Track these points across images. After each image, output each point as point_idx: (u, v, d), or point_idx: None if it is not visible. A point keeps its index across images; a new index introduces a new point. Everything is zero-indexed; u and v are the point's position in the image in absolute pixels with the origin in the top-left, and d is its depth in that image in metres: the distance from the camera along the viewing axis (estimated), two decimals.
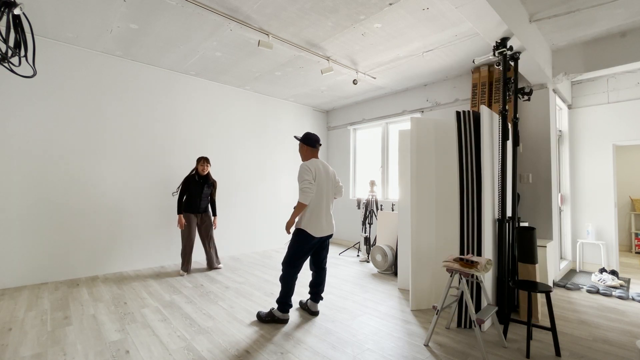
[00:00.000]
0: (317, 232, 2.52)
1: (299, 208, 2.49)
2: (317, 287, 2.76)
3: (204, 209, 4.04)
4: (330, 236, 2.70)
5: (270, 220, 5.56)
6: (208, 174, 4.02)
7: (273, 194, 5.62)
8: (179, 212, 3.89)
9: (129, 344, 2.19)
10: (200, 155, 4.63)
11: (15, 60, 2.70)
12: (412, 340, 2.33)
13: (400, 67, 4.20)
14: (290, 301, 2.59)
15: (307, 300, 2.83)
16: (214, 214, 4.16)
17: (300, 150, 2.73)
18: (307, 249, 2.55)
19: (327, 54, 3.83)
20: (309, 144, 2.68)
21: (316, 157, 2.70)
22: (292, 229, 2.69)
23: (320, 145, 2.73)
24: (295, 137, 2.72)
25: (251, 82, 4.85)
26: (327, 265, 4.44)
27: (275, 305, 2.90)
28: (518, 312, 2.89)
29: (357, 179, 6.17)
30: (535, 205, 3.69)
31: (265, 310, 2.83)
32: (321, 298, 2.80)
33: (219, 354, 2.08)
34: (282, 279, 2.57)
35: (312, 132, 2.81)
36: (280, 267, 3.50)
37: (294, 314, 2.76)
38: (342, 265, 4.52)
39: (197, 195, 3.93)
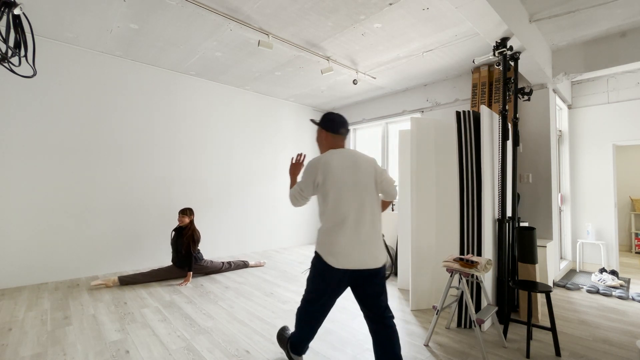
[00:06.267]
0: (338, 262, 1.62)
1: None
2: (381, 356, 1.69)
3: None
4: (379, 272, 1.69)
5: (269, 220, 5.56)
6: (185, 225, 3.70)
7: (273, 193, 5.62)
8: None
9: (129, 344, 2.19)
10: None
11: (15, 60, 2.70)
12: (412, 340, 2.32)
13: (400, 67, 4.20)
14: (303, 344, 1.89)
15: None
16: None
17: (318, 140, 1.90)
18: (323, 283, 1.70)
19: (327, 54, 3.83)
20: (329, 127, 1.84)
21: (341, 146, 1.86)
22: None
23: (346, 131, 1.87)
24: (311, 120, 1.97)
25: (251, 82, 4.85)
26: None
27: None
28: (518, 312, 2.89)
29: None
30: (535, 205, 3.69)
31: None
32: None
33: (219, 354, 2.08)
34: (297, 311, 1.88)
35: (337, 116, 1.87)
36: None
37: (292, 315, 2.75)
38: None
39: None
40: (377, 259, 1.66)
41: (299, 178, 1.77)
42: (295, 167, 2.00)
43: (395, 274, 4.04)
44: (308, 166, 1.76)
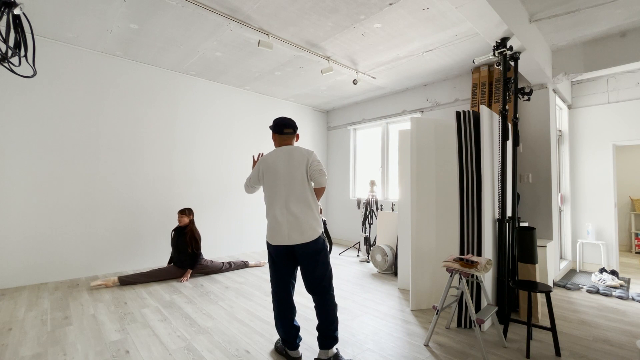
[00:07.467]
0: (273, 239, 1.98)
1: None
2: (319, 322, 2.00)
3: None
4: (308, 246, 1.94)
5: None
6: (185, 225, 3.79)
7: None
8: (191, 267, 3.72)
9: (129, 344, 2.19)
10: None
11: (15, 60, 2.70)
12: (412, 340, 2.33)
13: (400, 67, 4.20)
14: (289, 334, 2.03)
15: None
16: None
17: (272, 140, 2.26)
18: (273, 261, 2.06)
19: (327, 54, 3.83)
20: (275, 130, 2.16)
21: (289, 144, 2.16)
22: None
23: (291, 130, 2.15)
24: (269, 126, 2.23)
25: (251, 82, 4.85)
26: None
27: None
28: (518, 312, 2.89)
29: (357, 179, 6.17)
30: (535, 205, 3.69)
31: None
32: (332, 340, 1.97)
33: (219, 354, 2.08)
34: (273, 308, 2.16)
35: (281, 120, 2.17)
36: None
37: None
38: (342, 265, 4.52)
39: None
40: (303, 235, 1.93)
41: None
42: (255, 163, 2.37)
43: (395, 274, 4.03)
44: (256, 163, 2.18)
